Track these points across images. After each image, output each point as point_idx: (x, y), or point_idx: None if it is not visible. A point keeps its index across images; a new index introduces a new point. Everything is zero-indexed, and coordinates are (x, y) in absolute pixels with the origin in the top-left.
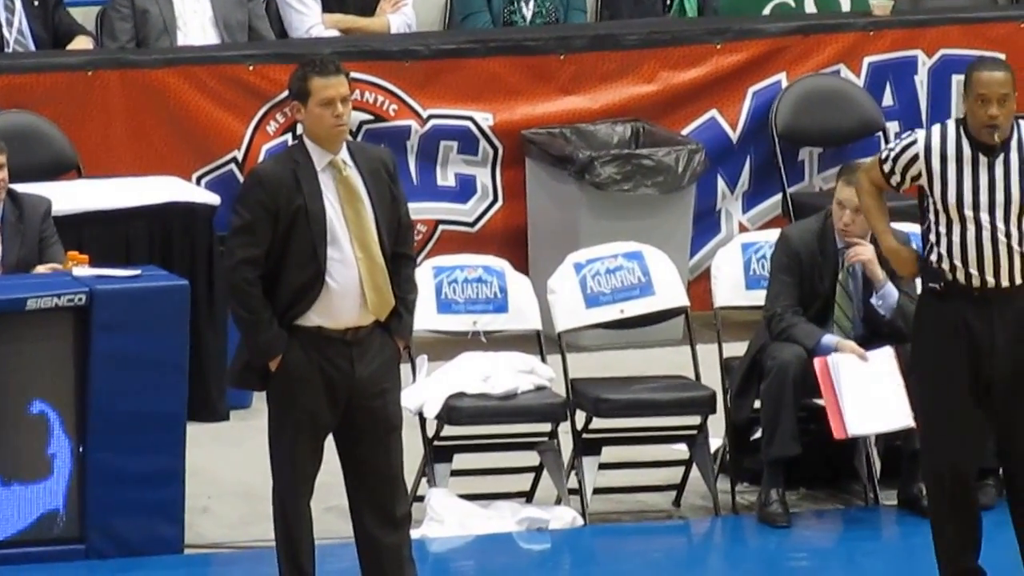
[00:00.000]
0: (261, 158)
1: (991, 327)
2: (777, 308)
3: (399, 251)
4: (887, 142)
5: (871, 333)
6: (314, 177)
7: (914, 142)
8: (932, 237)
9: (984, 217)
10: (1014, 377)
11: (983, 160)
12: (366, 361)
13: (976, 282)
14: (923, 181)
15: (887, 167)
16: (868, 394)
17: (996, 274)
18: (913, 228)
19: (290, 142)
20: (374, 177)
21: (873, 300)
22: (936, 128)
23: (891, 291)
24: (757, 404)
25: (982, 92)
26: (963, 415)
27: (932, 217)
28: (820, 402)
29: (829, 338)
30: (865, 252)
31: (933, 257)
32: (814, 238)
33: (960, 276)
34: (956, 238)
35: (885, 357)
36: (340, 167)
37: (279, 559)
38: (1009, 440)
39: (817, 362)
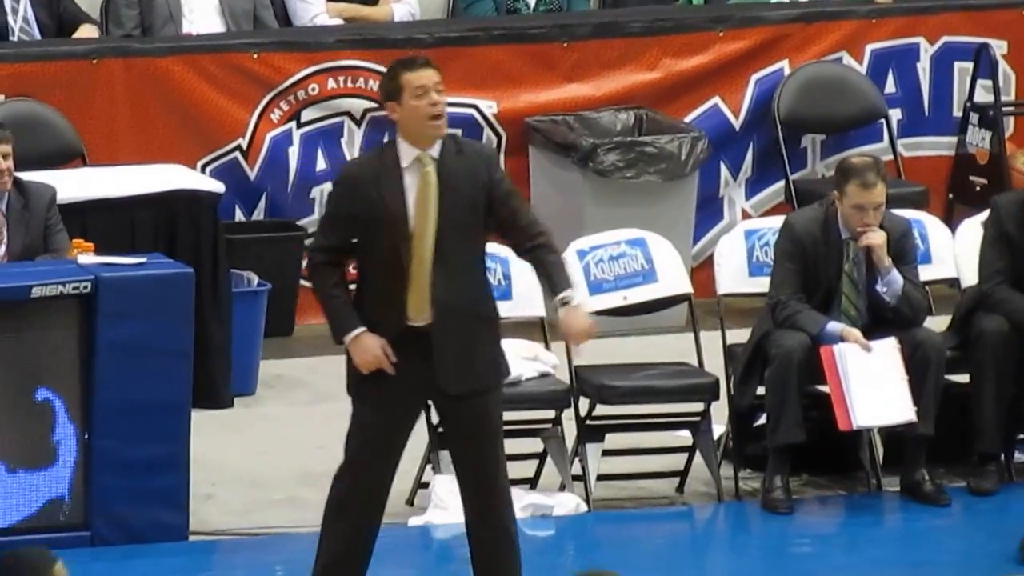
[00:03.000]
0: (265, 146)
1: None
2: (781, 295)
3: (530, 244)
4: (889, 130)
5: (875, 320)
6: (399, 178)
7: None
8: None
9: None
10: None
11: None
12: (444, 358)
13: None
14: None
15: None
16: (874, 386)
17: None
18: (917, 215)
19: (294, 130)
20: (454, 179)
21: (878, 286)
22: None
23: (896, 277)
24: (760, 391)
25: None
26: None
27: None
28: (823, 389)
29: (833, 325)
30: (877, 237)
31: None
32: (817, 226)
33: None
34: None
35: (888, 349)
36: (425, 163)
37: (320, 543)
38: None
39: (824, 352)
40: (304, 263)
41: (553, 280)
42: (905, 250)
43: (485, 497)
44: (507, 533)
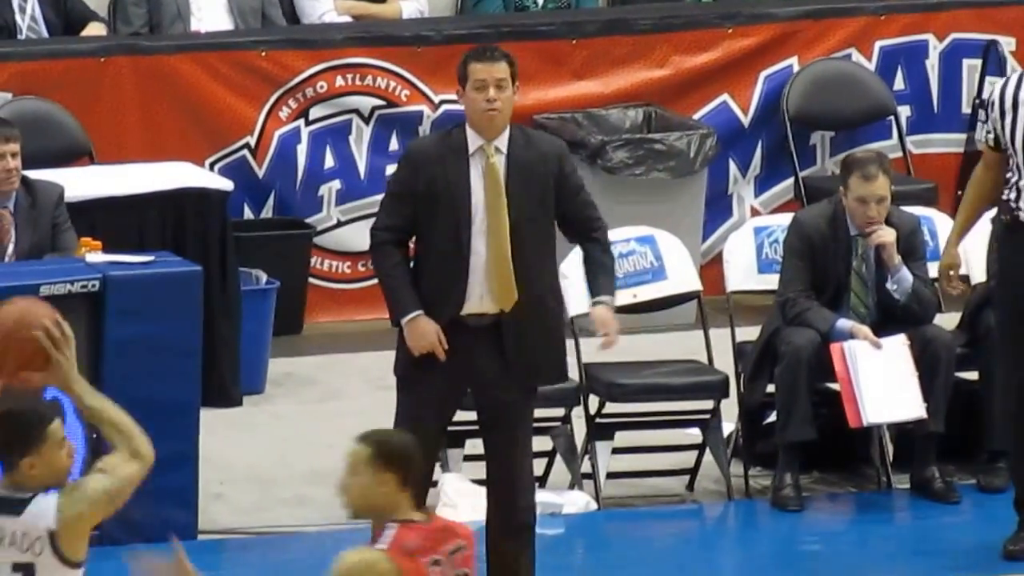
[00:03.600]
0: (274, 144)
1: None
2: (790, 293)
3: (588, 236)
4: (898, 126)
5: (885, 317)
6: (464, 161)
7: (992, 92)
8: (1008, 175)
9: None
10: None
11: None
12: (489, 349)
13: None
14: (998, 125)
15: (981, 133)
16: (884, 383)
17: None
18: (926, 212)
19: (303, 128)
20: (525, 171)
21: (888, 284)
22: (1013, 74)
23: (906, 275)
24: (770, 388)
25: None
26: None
27: (1010, 159)
28: (833, 386)
29: (843, 322)
30: (887, 235)
31: (1006, 194)
32: (826, 222)
33: (1022, 215)
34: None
35: (898, 346)
36: (490, 153)
37: None
38: None
39: (834, 349)
40: (313, 261)
41: (599, 281)
42: (914, 247)
43: (513, 490)
44: (529, 530)
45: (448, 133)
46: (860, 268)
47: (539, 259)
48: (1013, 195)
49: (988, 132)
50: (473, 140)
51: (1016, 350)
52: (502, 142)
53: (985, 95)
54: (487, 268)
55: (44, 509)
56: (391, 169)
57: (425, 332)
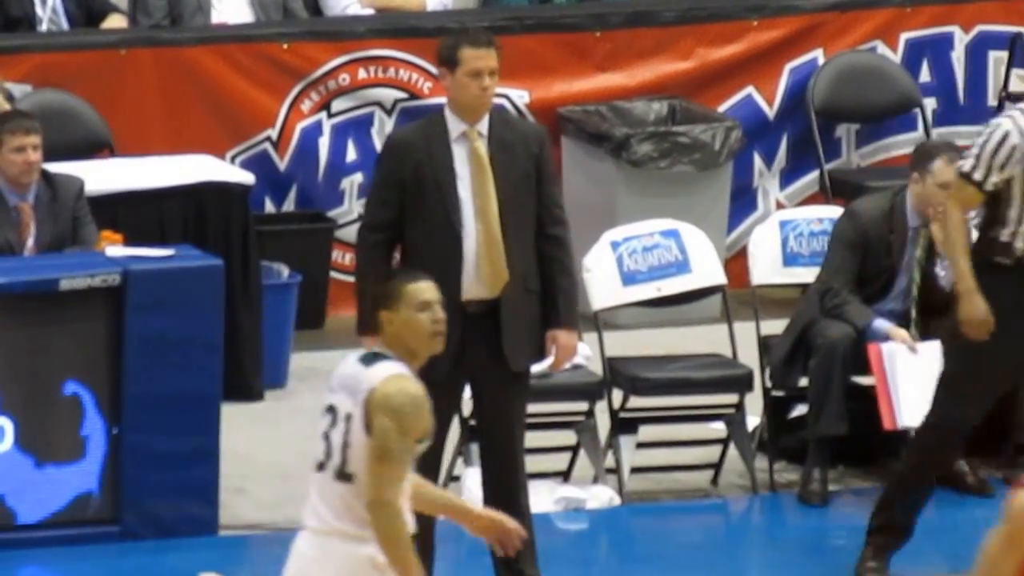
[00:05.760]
0: (296, 137)
1: None
2: (834, 283)
3: (546, 232)
4: (924, 119)
5: (925, 304)
6: (447, 147)
7: (1006, 135)
8: (1011, 214)
9: None
10: None
11: None
12: (482, 336)
13: None
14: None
15: (979, 174)
16: (919, 387)
17: None
18: None
19: (325, 121)
20: (508, 151)
21: (938, 269)
22: (1018, 114)
23: None
24: (802, 381)
25: None
26: (999, 383)
27: (1013, 198)
28: (862, 382)
29: (880, 323)
30: None
31: (1004, 236)
32: (882, 216)
33: None
34: None
35: (934, 350)
36: (473, 138)
37: None
38: None
39: (872, 351)
40: (334, 254)
41: (559, 311)
42: None
43: (509, 479)
44: (526, 517)
45: (428, 120)
46: (922, 259)
47: (523, 240)
48: (1011, 234)
49: (992, 175)
50: (455, 125)
51: (973, 390)
52: (483, 126)
53: (996, 141)
54: (477, 252)
55: (377, 374)
56: None
57: None
